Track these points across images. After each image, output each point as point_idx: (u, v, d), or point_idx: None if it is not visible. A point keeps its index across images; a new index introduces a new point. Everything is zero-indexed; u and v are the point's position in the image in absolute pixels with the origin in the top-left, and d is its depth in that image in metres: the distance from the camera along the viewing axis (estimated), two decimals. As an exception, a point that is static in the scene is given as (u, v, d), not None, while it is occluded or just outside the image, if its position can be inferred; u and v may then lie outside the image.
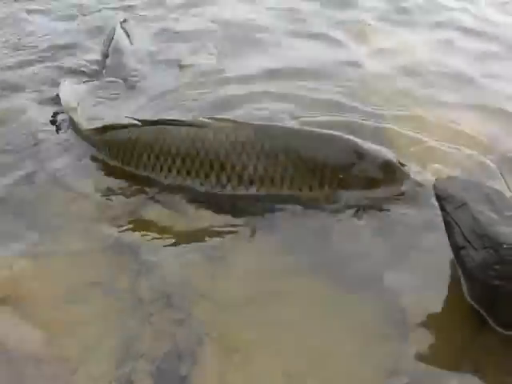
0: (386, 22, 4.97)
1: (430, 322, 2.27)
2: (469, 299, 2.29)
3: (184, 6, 5.27)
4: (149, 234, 2.69)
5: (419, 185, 2.76)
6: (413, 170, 2.89)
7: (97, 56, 4.30)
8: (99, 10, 5.16)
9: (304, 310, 2.32)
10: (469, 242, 2.23)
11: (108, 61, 4.21)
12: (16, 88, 3.90)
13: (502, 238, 2.15)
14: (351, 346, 2.20)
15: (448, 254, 2.37)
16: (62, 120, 3.50)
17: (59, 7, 5.24)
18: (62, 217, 2.80)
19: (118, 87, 3.91)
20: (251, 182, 2.82)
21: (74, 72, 4.09)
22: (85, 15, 5.07)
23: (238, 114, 3.42)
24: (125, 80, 3.99)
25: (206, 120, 2.96)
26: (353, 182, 2.77)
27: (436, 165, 3.00)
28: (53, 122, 3.49)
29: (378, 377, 2.10)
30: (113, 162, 3.10)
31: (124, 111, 3.52)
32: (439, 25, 4.94)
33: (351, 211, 2.74)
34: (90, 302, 2.38)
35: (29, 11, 5.15)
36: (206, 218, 2.76)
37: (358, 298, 2.35)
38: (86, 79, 4.02)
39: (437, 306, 2.33)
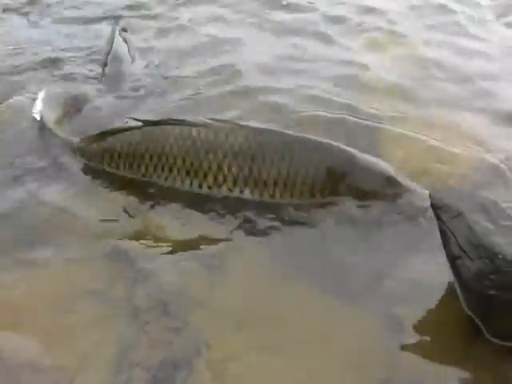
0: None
1: (426, 331, 2.28)
2: (465, 309, 2.29)
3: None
4: (145, 241, 2.69)
5: (415, 194, 2.76)
6: (410, 175, 2.92)
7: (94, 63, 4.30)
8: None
9: (301, 319, 2.32)
10: (464, 251, 2.24)
11: (106, 69, 4.20)
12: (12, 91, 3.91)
13: (497, 248, 2.16)
14: (346, 355, 2.20)
15: (444, 264, 2.37)
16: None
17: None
18: (57, 225, 2.80)
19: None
20: (245, 184, 2.85)
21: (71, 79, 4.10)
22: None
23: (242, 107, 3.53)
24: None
25: (207, 120, 3.00)
26: (345, 192, 2.77)
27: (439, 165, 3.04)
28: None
29: (373, 387, 2.11)
30: (109, 168, 3.10)
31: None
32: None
33: (348, 221, 2.74)
34: (86, 310, 2.38)
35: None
36: (204, 226, 2.77)
37: (354, 308, 2.36)
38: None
39: (432, 315, 2.34)
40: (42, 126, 3.39)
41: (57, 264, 2.59)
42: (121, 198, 2.95)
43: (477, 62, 4.38)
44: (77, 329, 2.33)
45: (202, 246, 2.65)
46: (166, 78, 4.11)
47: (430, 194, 2.46)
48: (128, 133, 3.09)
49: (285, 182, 2.81)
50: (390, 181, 2.79)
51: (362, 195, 2.77)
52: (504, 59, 4.43)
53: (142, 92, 3.91)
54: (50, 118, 3.45)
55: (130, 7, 5.27)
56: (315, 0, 5.39)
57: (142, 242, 2.68)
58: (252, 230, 2.72)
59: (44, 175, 3.10)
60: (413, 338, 2.26)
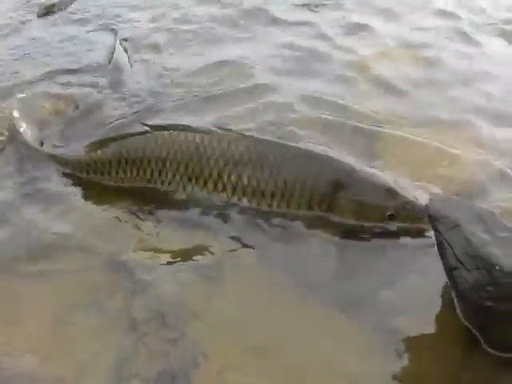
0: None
1: (423, 342, 2.28)
2: (462, 320, 2.29)
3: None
4: (144, 252, 2.69)
5: (414, 206, 2.73)
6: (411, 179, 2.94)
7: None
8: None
9: (298, 330, 2.33)
10: (461, 262, 2.23)
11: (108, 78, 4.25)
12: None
13: (494, 259, 2.16)
14: (344, 366, 2.20)
15: (441, 275, 2.37)
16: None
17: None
18: (55, 235, 2.81)
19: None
20: (243, 193, 2.87)
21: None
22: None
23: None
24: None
25: (211, 128, 3.05)
26: (344, 205, 2.77)
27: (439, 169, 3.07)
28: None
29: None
30: (115, 175, 3.13)
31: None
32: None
33: (346, 233, 2.74)
34: (85, 321, 2.39)
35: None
36: (202, 237, 2.77)
37: (351, 319, 2.36)
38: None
39: (429, 326, 2.33)
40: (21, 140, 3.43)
41: (55, 275, 2.60)
42: (119, 209, 2.96)
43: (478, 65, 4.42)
44: (75, 340, 2.34)
45: (199, 257, 2.65)
46: (164, 77, 4.20)
47: (426, 205, 2.47)
48: (133, 138, 3.14)
49: (282, 193, 2.83)
50: (390, 193, 2.77)
51: (361, 208, 2.76)
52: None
53: (140, 95, 3.96)
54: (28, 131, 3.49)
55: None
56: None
57: (140, 253, 2.69)
58: (250, 241, 2.73)
59: (35, 188, 3.12)
60: (411, 349, 2.25)
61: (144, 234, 2.81)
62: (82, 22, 5.27)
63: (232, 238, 2.76)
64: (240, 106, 3.76)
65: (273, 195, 2.84)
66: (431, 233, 2.43)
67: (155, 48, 4.71)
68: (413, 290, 2.46)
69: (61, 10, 5.45)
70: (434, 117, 3.67)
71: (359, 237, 2.73)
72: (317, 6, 5.41)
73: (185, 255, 2.67)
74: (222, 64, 4.35)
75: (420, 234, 2.68)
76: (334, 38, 4.78)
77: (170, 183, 3.01)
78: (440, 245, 2.35)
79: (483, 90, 4.01)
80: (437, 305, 2.41)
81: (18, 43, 4.83)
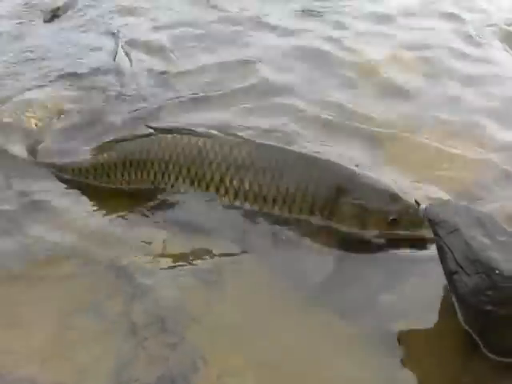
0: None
1: (423, 347, 2.28)
2: (462, 324, 2.29)
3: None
4: (144, 256, 2.70)
5: (416, 210, 2.69)
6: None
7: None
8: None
9: (298, 335, 2.33)
10: (461, 267, 2.23)
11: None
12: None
13: (494, 264, 2.16)
14: (343, 371, 2.20)
15: (441, 279, 2.37)
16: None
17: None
18: (55, 239, 2.81)
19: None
20: (245, 198, 2.88)
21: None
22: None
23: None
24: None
25: (213, 132, 3.07)
26: (346, 210, 2.75)
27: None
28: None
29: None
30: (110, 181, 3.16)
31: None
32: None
33: (346, 238, 2.74)
34: (85, 326, 2.39)
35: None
36: (202, 241, 2.77)
37: (352, 323, 2.36)
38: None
39: (430, 331, 2.34)
40: None
41: (55, 280, 2.60)
42: (118, 215, 2.97)
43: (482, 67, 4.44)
44: (75, 344, 2.34)
45: (199, 262, 2.66)
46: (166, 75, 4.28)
47: (426, 210, 2.46)
48: (137, 141, 3.17)
49: (284, 198, 2.82)
50: (392, 198, 2.76)
51: (363, 212, 2.75)
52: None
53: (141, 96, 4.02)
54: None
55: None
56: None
57: (140, 257, 2.69)
58: (250, 246, 2.73)
59: (33, 197, 3.12)
60: (411, 354, 2.25)
61: (144, 239, 2.81)
62: (83, 25, 5.31)
63: (232, 242, 2.76)
64: (240, 105, 3.82)
65: (275, 200, 2.84)
66: (432, 237, 2.42)
67: (158, 50, 4.76)
68: (413, 294, 2.46)
69: (65, 12, 5.48)
70: (437, 118, 3.68)
71: (359, 241, 2.72)
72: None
73: (185, 260, 2.67)
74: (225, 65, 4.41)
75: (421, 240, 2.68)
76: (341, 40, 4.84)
77: (172, 186, 3.03)
78: (440, 249, 2.35)
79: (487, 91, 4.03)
80: (437, 309, 2.41)
81: (23, 47, 4.85)
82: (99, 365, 2.25)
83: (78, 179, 3.22)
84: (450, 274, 2.29)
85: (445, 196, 2.92)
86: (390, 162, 3.25)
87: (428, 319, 2.37)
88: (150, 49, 4.79)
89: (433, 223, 2.39)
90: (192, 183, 2.99)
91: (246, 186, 2.88)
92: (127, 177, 3.13)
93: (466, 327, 2.27)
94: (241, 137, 3.05)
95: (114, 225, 2.90)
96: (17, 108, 3.85)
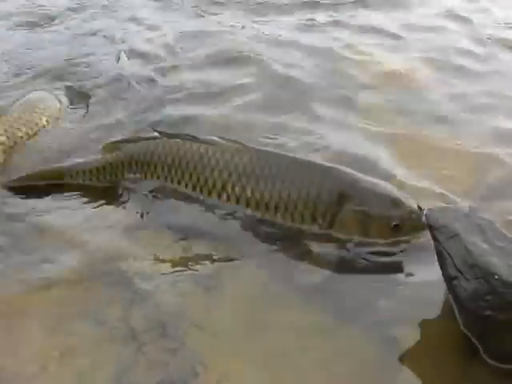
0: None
1: (422, 351, 2.27)
2: (462, 329, 2.29)
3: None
4: (143, 261, 2.69)
5: (418, 215, 2.69)
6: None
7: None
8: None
9: (297, 341, 2.32)
10: (461, 272, 2.24)
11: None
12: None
13: (493, 269, 2.16)
14: (343, 377, 2.20)
15: (441, 284, 2.37)
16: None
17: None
18: (54, 244, 2.82)
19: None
20: (247, 205, 2.88)
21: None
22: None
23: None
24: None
25: (216, 138, 3.08)
26: (348, 216, 2.74)
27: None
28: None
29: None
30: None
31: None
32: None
33: (346, 242, 2.73)
34: (84, 331, 2.39)
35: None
36: (202, 247, 2.77)
37: (351, 329, 2.36)
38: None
39: (429, 336, 2.33)
40: None
41: (54, 285, 2.59)
42: (118, 218, 2.98)
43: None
44: (75, 350, 2.33)
45: (199, 267, 2.66)
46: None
47: (426, 215, 2.47)
48: (144, 142, 3.22)
49: (286, 205, 2.82)
50: (395, 203, 2.74)
51: (366, 218, 2.73)
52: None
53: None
54: None
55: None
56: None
57: (139, 262, 2.69)
58: (250, 251, 2.73)
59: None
60: (410, 359, 2.25)
61: (143, 244, 2.81)
62: (85, 32, 5.37)
63: (232, 247, 2.76)
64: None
65: (276, 207, 2.83)
66: (431, 242, 2.42)
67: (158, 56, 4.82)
68: (412, 298, 2.45)
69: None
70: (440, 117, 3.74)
71: (358, 245, 2.71)
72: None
73: (184, 265, 2.67)
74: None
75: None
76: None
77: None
78: (439, 254, 2.35)
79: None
80: (436, 314, 2.40)
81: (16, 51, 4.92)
82: (99, 370, 2.24)
83: (80, 181, 3.24)
84: (449, 279, 2.29)
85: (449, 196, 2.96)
86: (396, 164, 3.27)
87: (427, 324, 2.37)
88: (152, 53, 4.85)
89: (432, 228, 2.39)
90: (194, 189, 3.01)
91: (248, 192, 2.89)
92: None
93: (466, 332, 2.27)
94: (242, 143, 3.05)
95: (113, 230, 2.90)
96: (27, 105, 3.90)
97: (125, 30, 5.39)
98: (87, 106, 4.08)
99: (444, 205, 2.80)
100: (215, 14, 5.74)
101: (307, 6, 5.78)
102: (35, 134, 3.68)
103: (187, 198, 3.02)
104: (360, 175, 2.85)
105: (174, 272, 2.64)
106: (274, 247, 2.75)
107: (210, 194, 2.97)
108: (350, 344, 2.31)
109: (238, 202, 2.91)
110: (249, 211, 2.88)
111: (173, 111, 3.93)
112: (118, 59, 4.65)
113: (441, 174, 3.19)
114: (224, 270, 2.64)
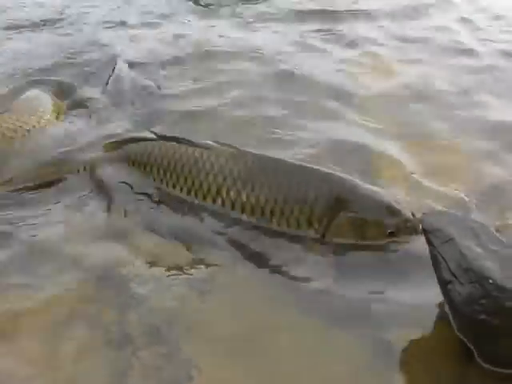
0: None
1: (417, 356, 2.28)
2: (457, 333, 2.29)
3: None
4: (138, 266, 2.69)
5: (414, 223, 2.72)
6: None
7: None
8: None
9: (292, 345, 2.32)
10: (455, 276, 2.24)
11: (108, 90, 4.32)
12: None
13: (487, 273, 2.17)
14: (336, 381, 2.20)
15: (435, 288, 2.37)
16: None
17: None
18: (48, 251, 2.80)
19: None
20: (243, 210, 2.87)
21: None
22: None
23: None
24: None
25: (211, 142, 3.08)
26: (344, 221, 2.74)
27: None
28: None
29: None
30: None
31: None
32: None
33: (340, 247, 2.73)
34: (78, 336, 2.38)
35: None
36: (196, 250, 2.77)
37: (345, 333, 2.36)
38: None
39: (424, 340, 2.33)
40: None
41: (49, 289, 2.58)
42: (112, 222, 2.97)
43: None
44: (69, 354, 2.32)
45: (194, 271, 2.65)
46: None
47: (421, 219, 2.47)
48: (142, 144, 3.26)
49: (282, 210, 2.81)
50: (390, 210, 2.75)
51: (361, 225, 2.74)
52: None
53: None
54: None
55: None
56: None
57: (134, 266, 2.68)
58: (244, 255, 2.72)
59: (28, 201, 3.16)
60: (405, 363, 2.25)
61: (138, 248, 2.80)
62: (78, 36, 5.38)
63: (226, 251, 2.76)
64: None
65: (272, 212, 2.82)
66: (426, 246, 2.42)
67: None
68: (407, 303, 2.45)
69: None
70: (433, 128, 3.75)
71: (354, 250, 2.72)
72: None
73: (178, 269, 2.67)
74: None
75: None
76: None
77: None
78: (434, 258, 2.35)
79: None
80: (431, 318, 2.41)
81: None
82: (93, 375, 2.24)
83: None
84: (443, 284, 2.29)
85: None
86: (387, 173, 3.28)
87: (422, 328, 2.37)
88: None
89: (427, 232, 2.39)
90: (189, 193, 3.01)
91: (244, 197, 2.88)
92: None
93: (460, 336, 2.27)
94: (238, 148, 3.04)
95: (108, 234, 2.89)
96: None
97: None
98: (85, 107, 4.10)
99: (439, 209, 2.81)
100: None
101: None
102: (34, 132, 3.68)
103: (182, 202, 3.02)
104: (357, 181, 2.85)
105: (168, 276, 2.63)
106: (269, 252, 2.74)
107: (204, 198, 2.97)
108: (344, 348, 2.31)
109: (233, 206, 2.90)
110: (244, 216, 2.88)
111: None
112: (115, 63, 4.65)
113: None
114: (219, 275, 2.64)
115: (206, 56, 4.92)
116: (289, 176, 2.87)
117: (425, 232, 2.41)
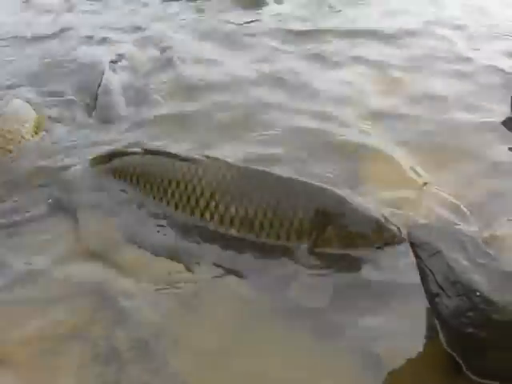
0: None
1: (405, 368, 2.27)
2: (445, 346, 2.29)
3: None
4: (125, 280, 2.68)
5: (401, 238, 2.74)
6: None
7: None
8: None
9: (280, 359, 2.32)
10: (443, 289, 2.24)
11: (98, 102, 4.30)
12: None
13: (474, 286, 2.17)
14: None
15: (423, 301, 2.37)
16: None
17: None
18: (37, 265, 2.79)
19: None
20: (231, 224, 2.86)
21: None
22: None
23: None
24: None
25: (198, 156, 3.08)
26: (333, 235, 2.75)
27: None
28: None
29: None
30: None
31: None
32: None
33: (329, 261, 2.73)
34: (66, 351, 2.37)
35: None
36: (185, 265, 2.76)
37: (334, 346, 2.35)
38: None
39: (412, 352, 2.33)
40: None
41: (37, 304, 2.58)
42: (101, 237, 2.96)
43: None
44: (58, 369, 2.32)
45: (182, 285, 2.65)
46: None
47: (408, 232, 2.47)
48: (129, 157, 3.26)
49: (271, 223, 2.82)
50: (378, 225, 2.78)
51: (349, 239, 2.76)
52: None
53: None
54: None
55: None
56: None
57: (121, 280, 2.67)
58: (232, 269, 2.72)
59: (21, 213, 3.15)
60: (393, 376, 2.25)
61: (126, 262, 2.79)
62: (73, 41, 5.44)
63: (214, 265, 2.75)
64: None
65: (261, 225, 2.82)
66: (413, 259, 2.42)
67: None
68: (395, 316, 2.45)
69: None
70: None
71: (343, 264, 2.72)
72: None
73: (166, 283, 2.66)
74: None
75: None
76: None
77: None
78: (422, 271, 2.35)
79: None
80: (419, 331, 2.41)
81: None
82: (81, 390, 2.23)
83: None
84: (431, 297, 2.29)
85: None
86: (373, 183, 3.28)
87: (410, 341, 2.37)
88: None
89: (414, 245, 2.40)
90: (176, 208, 3.00)
91: (232, 211, 2.87)
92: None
93: (449, 349, 2.27)
94: (225, 161, 3.04)
95: (96, 248, 2.88)
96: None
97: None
98: (70, 118, 4.10)
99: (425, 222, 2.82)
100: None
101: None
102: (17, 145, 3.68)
103: (170, 217, 3.01)
104: (347, 196, 2.85)
105: (156, 290, 2.63)
106: (257, 265, 2.74)
107: (192, 212, 2.95)
108: (333, 361, 2.30)
109: (221, 220, 2.89)
110: (233, 230, 2.87)
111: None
112: (103, 70, 4.65)
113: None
114: (206, 289, 2.63)
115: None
116: (278, 189, 2.87)
117: (412, 245, 2.42)
